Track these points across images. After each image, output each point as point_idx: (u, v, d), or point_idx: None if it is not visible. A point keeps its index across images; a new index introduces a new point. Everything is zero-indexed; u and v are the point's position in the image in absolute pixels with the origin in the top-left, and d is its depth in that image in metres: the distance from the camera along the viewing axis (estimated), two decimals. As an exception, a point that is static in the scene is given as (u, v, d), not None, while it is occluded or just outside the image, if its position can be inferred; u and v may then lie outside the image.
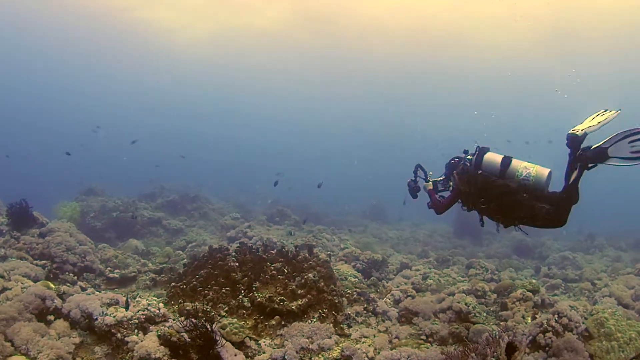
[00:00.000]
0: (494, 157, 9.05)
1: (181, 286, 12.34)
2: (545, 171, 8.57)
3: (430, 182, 10.35)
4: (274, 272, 12.48)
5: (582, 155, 8.09)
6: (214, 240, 22.60)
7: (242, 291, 12.00)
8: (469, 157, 9.41)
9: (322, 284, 12.42)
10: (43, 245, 15.08)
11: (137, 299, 11.62)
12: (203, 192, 32.55)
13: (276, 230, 25.02)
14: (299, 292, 12.06)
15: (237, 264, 12.80)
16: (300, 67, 72.64)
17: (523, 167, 8.67)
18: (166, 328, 9.72)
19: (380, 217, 38.66)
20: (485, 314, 13.55)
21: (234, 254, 13.83)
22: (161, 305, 11.08)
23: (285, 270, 12.74)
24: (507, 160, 8.86)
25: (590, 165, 8.10)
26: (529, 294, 13.68)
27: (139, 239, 21.98)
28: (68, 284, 13.69)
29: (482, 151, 9.23)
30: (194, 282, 12.23)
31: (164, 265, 17.54)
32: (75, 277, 14.58)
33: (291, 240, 21.98)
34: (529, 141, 39.13)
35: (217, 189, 38.72)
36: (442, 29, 51.80)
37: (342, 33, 57.14)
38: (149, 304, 10.80)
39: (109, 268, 16.35)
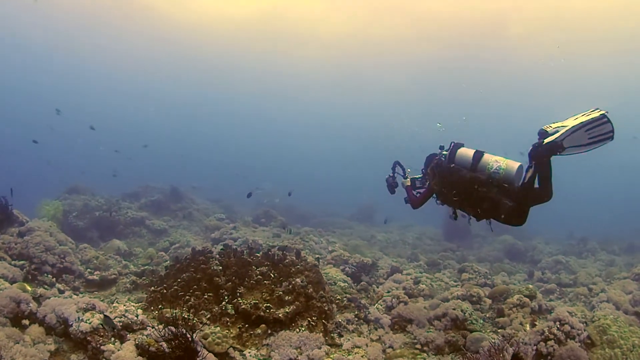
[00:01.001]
0: (466, 152, 9.44)
1: (161, 291, 11.67)
2: (515, 164, 8.81)
3: (409, 179, 10.75)
4: (259, 276, 11.80)
5: (535, 151, 8.36)
6: (197, 241, 22.10)
7: (226, 297, 11.34)
8: (444, 152, 9.86)
9: (311, 289, 11.79)
10: (22, 245, 14.63)
11: (114, 304, 11.00)
12: (189, 191, 32.05)
13: (262, 232, 24.48)
14: (287, 298, 11.38)
15: (220, 267, 12.13)
16: (289, 68, 71.93)
17: (494, 160, 8.98)
18: (144, 337, 9.16)
19: (367, 218, 38.25)
20: (482, 321, 13.25)
21: (217, 256, 13.16)
22: (140, 311, 10.54)
23: (272, 275, 12.09)
24: (478, 154, 9.22)
25: (545, 160, 8.26)
26: (526, 299, 13.49)
27: (121, 240, 21.52)
28: (46, 286, 13.36)
29: (456, 146, 9.65)
30: (175, 287, 11.55)
31: (146, 267, 17.22)
32: (54, 279, 14.16)
33: (278, 242, 21.46)
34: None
35: (206, 189, 38.00)
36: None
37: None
38: (126, 310, 10.23)
39: (89, 270, 15.87)
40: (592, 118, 7.86)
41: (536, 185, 8.50)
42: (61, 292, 13.39)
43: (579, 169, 46.63)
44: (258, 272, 12.00)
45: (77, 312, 10.06)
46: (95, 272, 15.74)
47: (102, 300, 12.12)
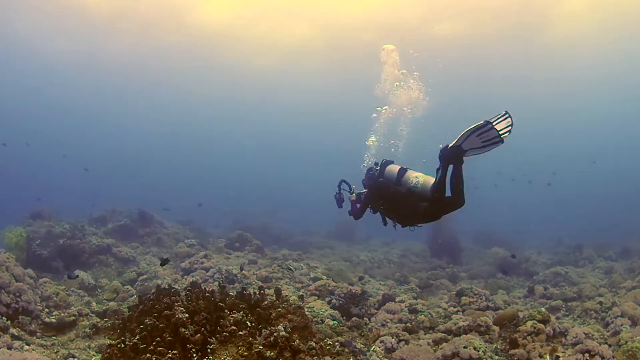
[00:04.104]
0: (393, 168, 10.35)
1: (119, 345, 9.81)
2: (431, 179, 9.50)
3: (354, 194, 11.59)
4: (233, 327, 9.83)
5: (442, 154, 9.00)
6: (167, 271, 20.56)
7: (194, 354, 9.34)
8: (377, 168, 10.82)
9: (297, 341, 9.78)
10: (-27, 282, 13.09)
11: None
12: (158, 214, 30.55)
13: (236, 259, 23.15)
14: (268, 354, 9.25)
15: (186, 315, 10.13)
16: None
17: (414, 176, 9.80)
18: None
19: (348, 236, 37.00)
20: (497, 357, 12.03)
21: (184, 298, 11.30)
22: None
23: (249, 323, 10.08)
24: (402, 171, 10.09)
25: (452, 161, 8.93)
26: (541, 325, 12.60)
27: (87, 270, 20.27)
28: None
29: (386, 163, 10.64)
30: (136, 339, 9.67)
31: (110, 303, 16.05)
32: (8, 322, 12.54)
33: (254, 270, 20.21)
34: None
35: (175, 210, 36.49)
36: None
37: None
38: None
39: (46, 309, 14.36)
40: (477, 125, 8.50)
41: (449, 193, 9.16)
42: (15, 337, 12.02)
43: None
44: (232, 320, 10.00)
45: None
46: (54, 313, 14.24)
47: (56, 353, 11.04)
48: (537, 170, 46.47)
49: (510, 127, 8.46)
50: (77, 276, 17.07)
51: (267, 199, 61.85)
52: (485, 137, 8.48)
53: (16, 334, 12.18)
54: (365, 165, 11.70)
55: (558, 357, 11.15)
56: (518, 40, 51.18)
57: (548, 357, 11.24)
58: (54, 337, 13.15)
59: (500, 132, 8.41)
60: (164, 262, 15.65)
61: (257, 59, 60.79)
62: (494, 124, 8.42)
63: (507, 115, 8.55)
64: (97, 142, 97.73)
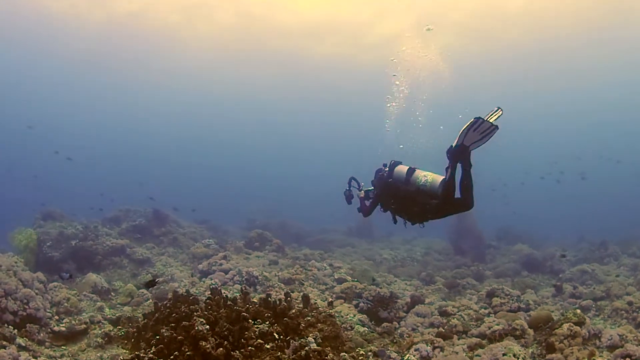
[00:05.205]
0: (401, 169, 10.74)
1: (134, 360, 8.95)
2: (439, 178, 9.95)
3: (363, 191, 11.93)
4: (259, 341, 8.89)
5: (449, 153, 9.47)
6: (184, 273, 19.92)
7: None
8: (386, 169, 11.17)
9: (330, 354, 8.88)
10: (-22, 290, 12.54)
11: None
12: (173, 213, 29.89)
13: (256, 259, 22.61)
14: None
15: (207, 326, 9.19)
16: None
17: (423, 175, 10.23)
18: None
19: (367, 233, 36.46)
20: None
21: (203, 306, 10.43)
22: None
23: (276, 335, 9.19)
24: (411, 171, 10.50)
25: (461, 157, 9.39)
26: (577, 328, 12.13)
27: (100, 272, 19.64)
28: (5, 342, 11.34)
29: (394, 164, 10.99)
30: (151, 354, 8.74)
31: (122, 312, 15.14)
32: (15, 331, 11.98)
33: (275, 271, 19.66)
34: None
35: (189, 208, 35.93)
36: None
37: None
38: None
39: (56, 317, 13.74)
40: (470, 123, 9.05)
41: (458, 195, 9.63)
42: (22, 348, 11.47)
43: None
44: (257, 332, 9.08)
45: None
46: (65, 320, 13.59)
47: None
48: (564, 168, 45.74)
49: (499, 116, 9.11)
50: (70, 276, 16.50)
51: (278, 198, 61.56)
52: (481, 129, 9.06)
53: (23, 345, 11.71)
54: (387, 128, 13.09)
55: (597, 360, 10.80)
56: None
57: (586, 362, 10.83)
58: (64, 347, 12.63)
59: (493, 122, 9.03)
60: (149, 284, 14.96)
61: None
62: (485, 118, 9.06)
63: (498, 109, 9.22)
64: (100, 143, 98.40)
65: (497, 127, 9.04)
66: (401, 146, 13.07)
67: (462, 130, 9.17)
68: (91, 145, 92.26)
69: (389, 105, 14.18)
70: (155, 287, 16.21)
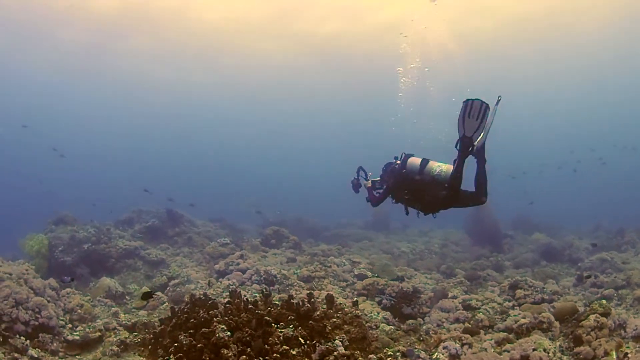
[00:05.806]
0: (415, 160, 10.91)
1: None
2: (452, 168, 10.07)
3: (370, 181, 11.95)
4: (285, 347, 8.49)
5: (457, 146, 9.66)
6: (200, 274, 19.54)
7: None
8: (397, 161, 11.24)
9: (359, 358, 8.46)
10: (-12, 300, 12.27)
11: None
12: (187, 212, 29.62)
13: (273, 257, 22.38)
14: None
15: (228, 333, 8.80)
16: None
17: (437, 165, 10.46)
18: None
19: (384, 226, 36.34)
20: (566, 358, 11.33)
21: (223, 311, 10.06)
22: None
23: (301, 340, 8.75)
24: (424, 162, 10.69)
25: (468, 152, 9.62)
26: (603, 319, 12.07)
27: (114, 275, 19.58)
28: (17, 354, 11.07)
29: (407, 156, 11.10)
30: None
31: (138, 317, 14.82)
32: (27, 341, 11.67)
33: (294, 269, 19.51)
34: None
35: (203, 205, 35.71)
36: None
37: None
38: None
39: (69, 325, 13.50)
40: (462, 109, 9.30)
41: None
42: (35, 359, 11.24)
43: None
44: (281, 336, 8.64)
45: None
46: (79, 328, 13.42)
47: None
48: (580, 158, 45.60)
49: (498, 101, 9.44)
50: (72, 280, 16.11)
51: (290, 197, 61.62)
52: (473, 112, 9.25)
53: (36, 356, 11.43)
54: (401, 95, 13.69)
55: (626, 354, 10.65)
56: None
57: (614, 354, 10.76)
58: (78, 357, 12.39)
59: (482, 100, 9.14)
60: (145, 296, 14.64)
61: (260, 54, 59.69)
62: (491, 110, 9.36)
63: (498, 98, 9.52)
64: (103, 144, 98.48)
65: (487, 106, 9.22)
66: (421, 142, 13.08)
67: (459, 122, 9.46)
68: (91, 145, 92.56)
69: (402, 79, 14.49)
70: (151, 299, 16.07)
